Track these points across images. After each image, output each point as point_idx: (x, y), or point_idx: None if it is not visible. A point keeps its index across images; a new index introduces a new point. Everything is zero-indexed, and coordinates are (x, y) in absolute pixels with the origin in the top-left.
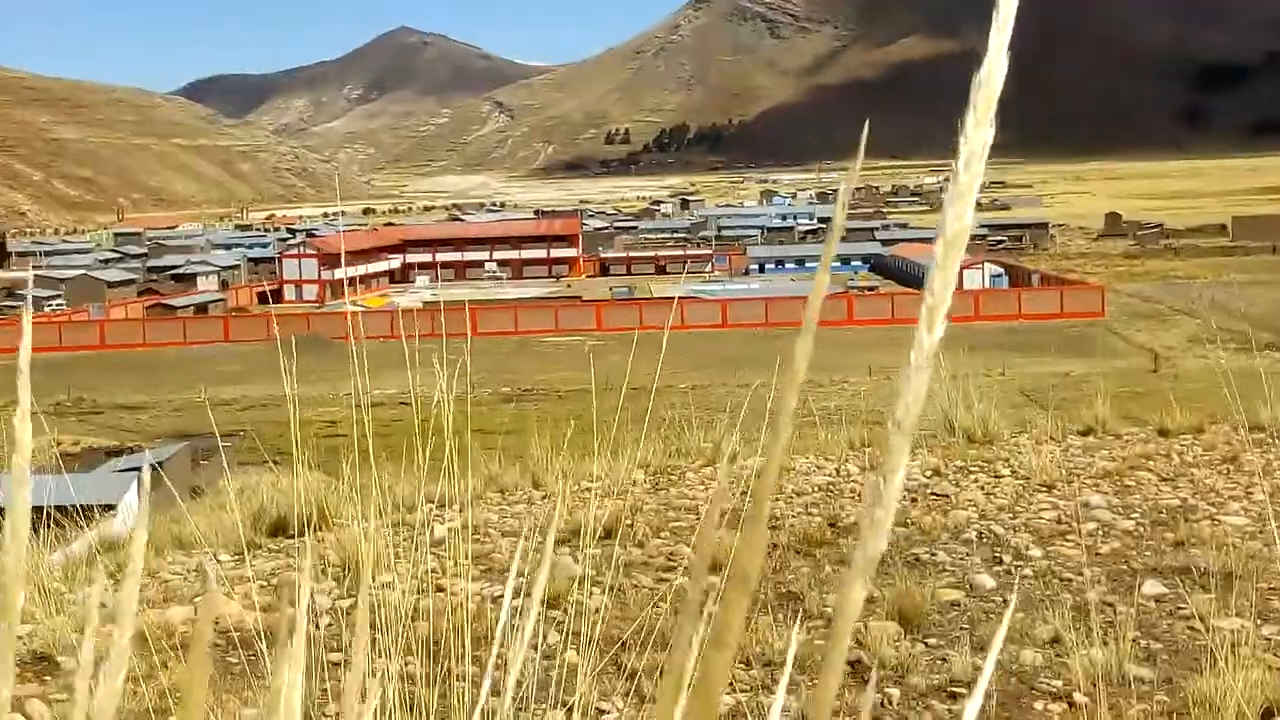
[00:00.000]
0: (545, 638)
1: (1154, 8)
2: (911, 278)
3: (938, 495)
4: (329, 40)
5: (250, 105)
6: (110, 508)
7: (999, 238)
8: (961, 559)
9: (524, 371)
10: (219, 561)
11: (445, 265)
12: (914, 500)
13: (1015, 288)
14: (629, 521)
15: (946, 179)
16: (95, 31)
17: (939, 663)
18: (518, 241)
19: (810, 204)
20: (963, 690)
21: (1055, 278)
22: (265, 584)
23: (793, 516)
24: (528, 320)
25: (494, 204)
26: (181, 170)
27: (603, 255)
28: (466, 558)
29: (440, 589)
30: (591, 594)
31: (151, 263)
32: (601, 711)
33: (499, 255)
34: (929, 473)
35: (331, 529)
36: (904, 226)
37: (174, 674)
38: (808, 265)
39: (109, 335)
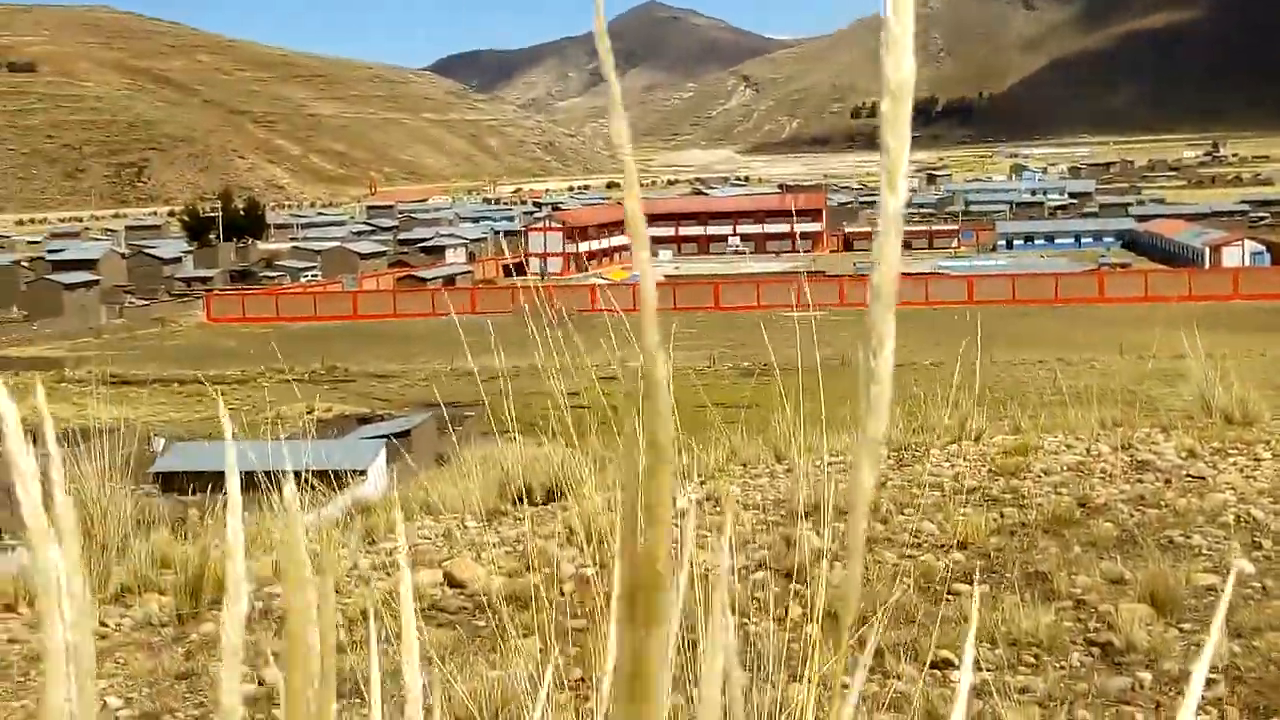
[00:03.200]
0: (788, 610)
1: None
2: (1166, 254)
3: (1193, 477)
4: (578, 15)
5: (498, 80)
6: (362, 473)
7: (1260, 214)
8: (1219, 543)
9: (766, 346)
10: (466, 527)
11: (688, 239)
12: (1168, 482)
13: (1277, 265)
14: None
15: (1208, 153)
16: (351, 10)
17: (1193, 649)
18: (761, 216)
19: (1062, 179)
20: (1216, 676)
21: None
22: (511, 550)
23: (1040, 496)
24: (770, 295)
25: (738, 178)
26: (431, 145)
27: (847, 230)
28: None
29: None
30: (834, 568)
31: (402, 235)
32: (845, 686)
33: (742, 230)
34: (1184, 454)
35: (573, 498)
36: (1160, 202)
37: (423, 634)
38: (1058, 241)
39: (361, 306)
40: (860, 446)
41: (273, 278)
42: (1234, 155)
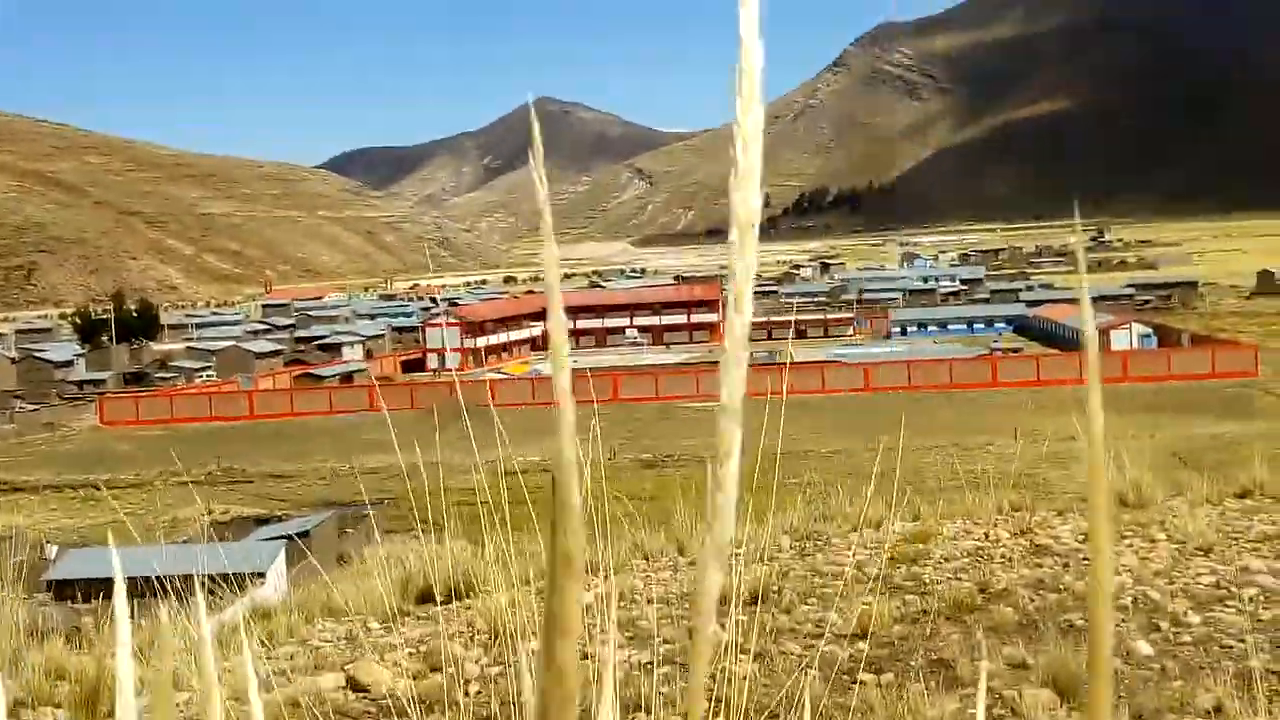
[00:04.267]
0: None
1: None
2: (1056, 338)
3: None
4: (471, 112)
5: (394, 177)
6: (260, 575)
7: (1146, 297)
8: (1117, 625)
9: (665, 437)
10: (368, 629)
11: (586, 332)
12: (1066, 565)
13: (1165, 348)
14: (776, 588)
15: (1094, 238)
16: (244, 109)
17: None
18: (658, 307)
19: (952, 265)
20: None
21: (1206, 337)
22: (414, 651)
23: (941, 582)
24: (669, 386)
25: (634, 270)
26: (327, 242)
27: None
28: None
29: (587, 656)
30: (739, 661)
31: (299, 333)
32: None
33: (640, 321)
34: (1080, 537)
35: (477, 596)
36: (1049, 287)
37: None
38: (951, 327)
39: (258, 405)
40: (707, 552)
41: (167, 379)
42: (1119, 240)
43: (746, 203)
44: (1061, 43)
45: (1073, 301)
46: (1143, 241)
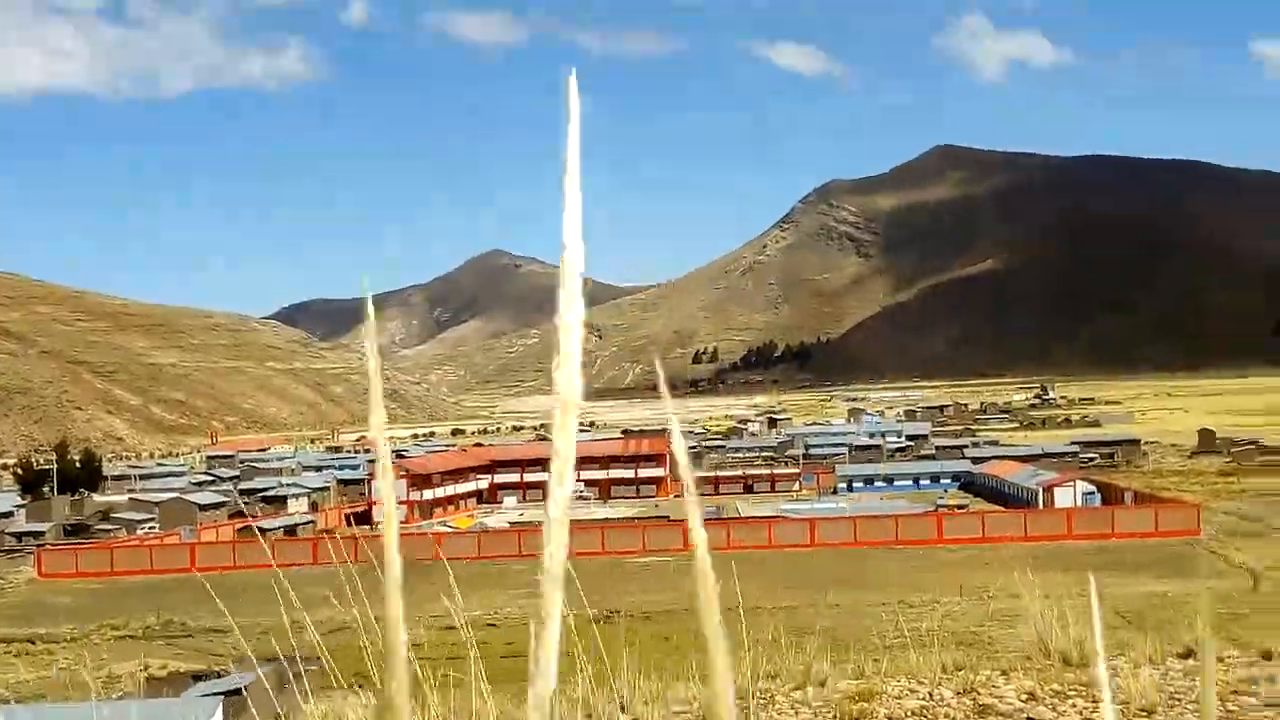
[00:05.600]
0: None
1: (1248, 218)
2: (1002, 495)
3: None
4: (422, 264)
5: (343, 328)
6: None
7: (1090, 455)
8: None
9: (611, 592)
10: None
11: (533, 485)
12: None
13: (1108, 506)
14: None
15: (1037, 395)
16: (192, 259)
17: None
18: (605, 461)
19: (898, 421)
20: None
21: (1149, 495)
22: None
23: None
24: (615, 540)
25: (583, 424)
26: (275, 393)
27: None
28: None
29: None
30: None
31: (243, 485)
32: None
33: (586, 475)
34: (1024, 696)
35: None
36: (994, 444)
37: None
38: (897, 483)
39: (200, 558)
40: (531, 706)
41: (108, 531)
42: (1062, 397)
43: (569, 382)
44: (999, 204)
45: (1017, 458)
46: (1085, 399)
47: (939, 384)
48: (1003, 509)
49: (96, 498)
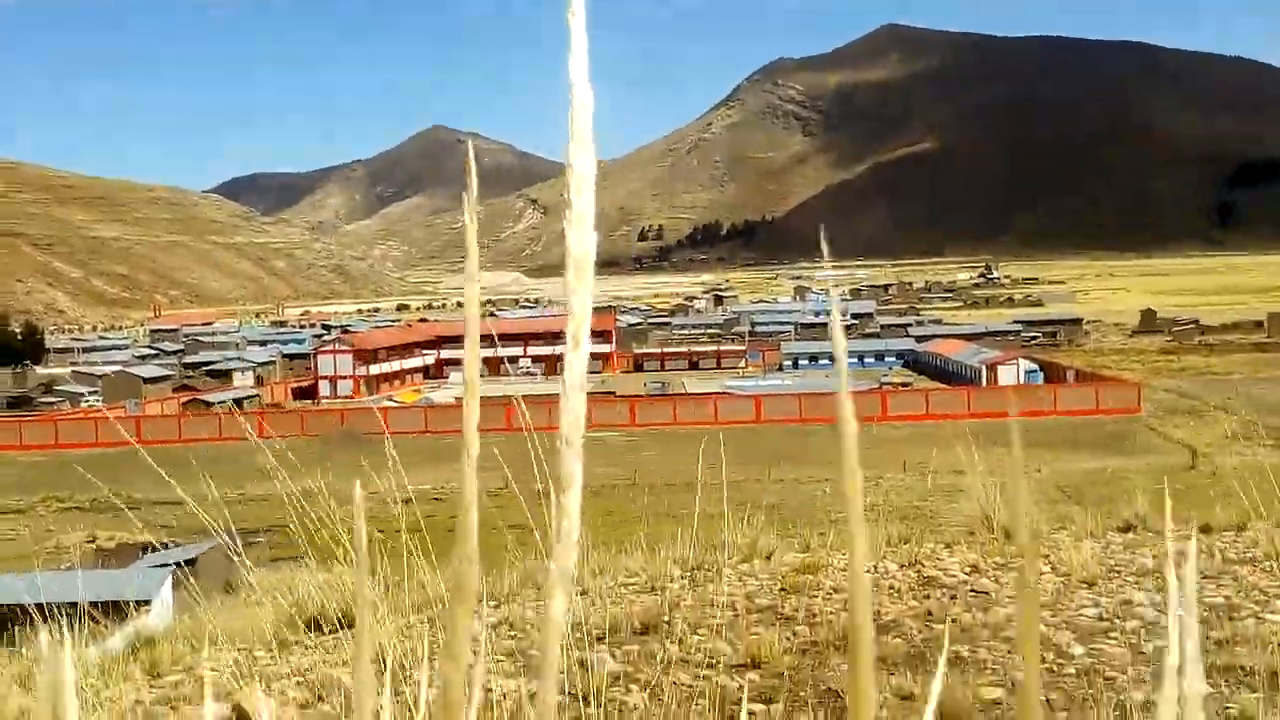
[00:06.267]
0: None
1: (1190, 103)
2: (946, 373)
3: (977, 592)
4: (364, 139)
5: (286, 203)
6: (145, 603)
7: (1033, 334)
8: (1003, 657)
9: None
10: (255, 657)
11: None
12: (954, 598)
13: (1050, 384)
14: (667, 618)
15: (981, 274)
16: (134, 132)
17: None
18: (552, 337)
19: (844, 300)
20: None
21: (1091, 374)
22: (301, 680)
23: (831, 613)
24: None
25: (528, 300)
26: (218, 267)
27: (637, 351)
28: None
29: (490, 689)
30: (630, 691)
31: (187, 359)
32: None
33: (533, 351)
34: (968, 569)
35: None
36: (938, 322)
37: None
38: None
39: (145, 431)
40: (553, 578)
41: (52, 403)
42: (1006, 277)
43: (581, 242)
44: (944, 84)
45: (961, 337)
46: (1028, 279)
47: (882, 263)
48: (946, 386)
49: (39, 370)
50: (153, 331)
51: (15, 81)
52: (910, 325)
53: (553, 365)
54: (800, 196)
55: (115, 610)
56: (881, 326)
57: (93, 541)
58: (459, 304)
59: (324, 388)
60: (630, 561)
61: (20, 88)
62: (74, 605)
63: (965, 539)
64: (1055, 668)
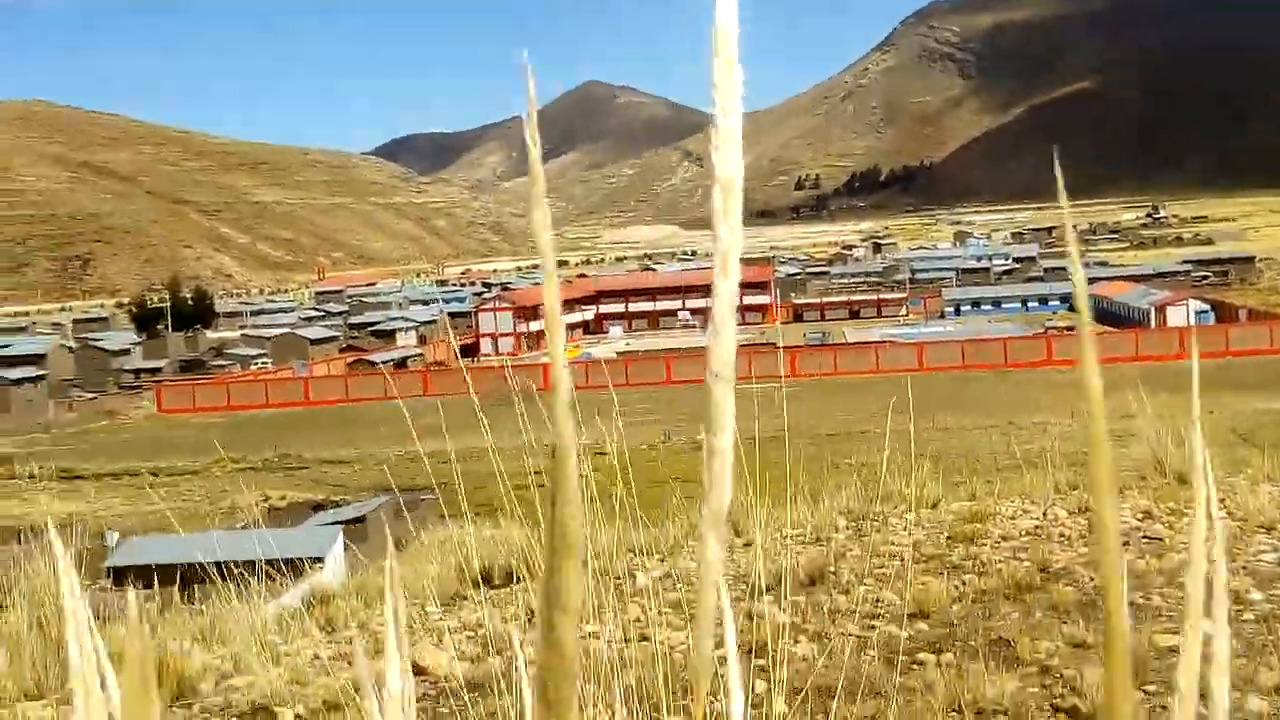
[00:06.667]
0: (753, 687)
1: None
2: (1113, 316)
3: (1150, 538)
4: (522, 97)
5: (444, 163)
6: (318, 560)
7: (1203, 273)
8: (1178, 604)
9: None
10: (426, 613)
11: (638, 315)
12: (1126, 544)
13: (1222, 324)
14: (833, 569)
15: (1148, 214)
16: (292, 97)
17: (1158, 710)
18: (710, 290)
19: (1006, 244)
20: None
21: (1264, 313)
22: (472, 634)
23: (1000, 561)
24: None
25: (686, 253)
26: (379, 228)
27: (796, 301)
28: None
29: (645, 638)
30: (798, 642)
31: (352, 320)
32: None
33: (691, 304)
34: (1140, 515)
35: (535, 579)
36: (1104, 264)
37: None
38: (1005, 306)
39: (313, 392)
40: (706, 521)
41: (222, 366)
42: (1174, 217)
43: (728, 164)
44: (1102, 24)
45: (1129, 278)
46: (1197, 218)
47: (1044, 205)
48: (1114, 329)
49: (210, 334)
50: (318, 293)
51: (183, 51)
52: None
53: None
54: (958, 140)
55: (289, 568)
56: (1045, 270)
57: (265, 501)
58: (617, 259)
59: (485, 345)
60: (794, 513)
61: (188, 57)
62: (250, 564)
63: (1136, 484)
64: (1234, 614)
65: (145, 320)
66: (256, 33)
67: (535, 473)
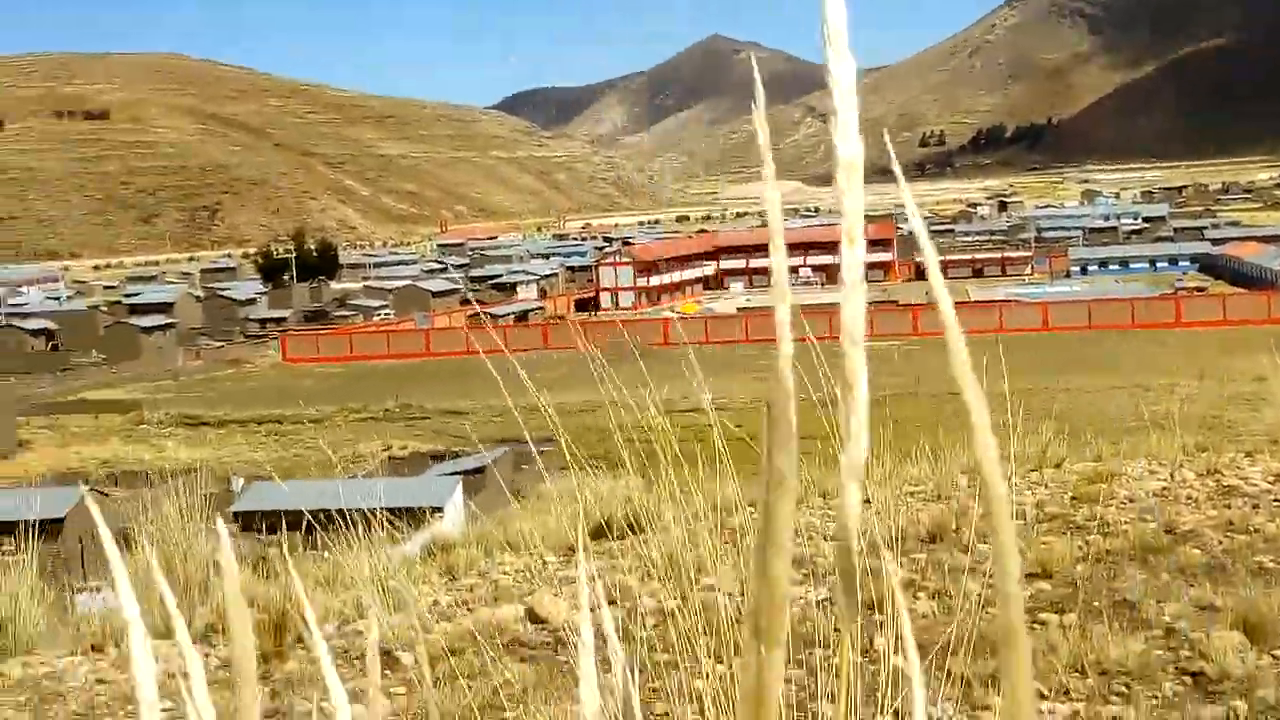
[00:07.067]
0: (871, 642)
1: None
2: (1244, 277)
3: None
4: (644, 52)
5: (566, 117)
6: (437, 509)
7: None
8: None
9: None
10: (545, 563)
11: (759, 271)
12: (1256, 507)
13: None
14: (954, 526)
15: None
16: (415, 50)
17: None
18: (832, 246)
19: (1135, 203)
20: None
21: None
22: (590, 585)
23: (1126, 523)
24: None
25: (808, 209)
26: (501, 182)
27: (918, 259)
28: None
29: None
30: (918, 599)
31: (473, 272)
32: (931, 718)
33: (813, 260)
34: (1271, 478)
35: (653, 531)
36: (1235, 224)
37: (505, 671)
38: (1133, 266)
39: (434, 344)
40: (844, 471)
41: (346, 317)
42: None
43: (848, 146)
44: None
45: (1261, 239)
46: None
47: (1175, 164)
48: (1245, 290)
49: (334, 285)
50: (440, 246)
51: (311, 4)
52: (1205, 228)
53: (833, 274)
54: (1087, 97)
55: (409, 516)
56: (1175, 230)
57: (386, 450)
58: (738, 214)
59: (605, 300)
60: (915, 469)
61: (315, 10)
62: (371, 511)
63: (1268, 448)
64: None
65: (271, 271)
66: None
67: (645, 429)
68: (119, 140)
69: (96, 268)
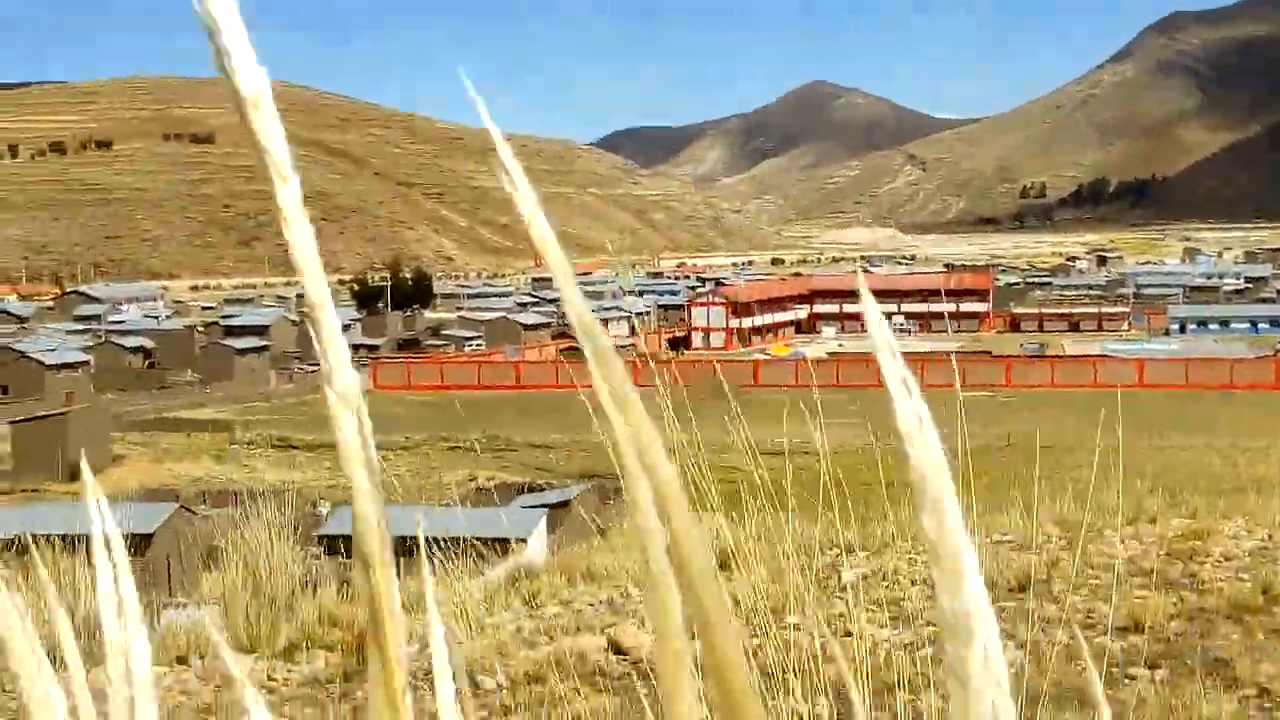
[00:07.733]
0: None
1: None
2: None
3: None
4: (743, 94)
5: (665, 156)
6: (521, 540)
7: None
8: None
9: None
10: (627, 595)
11: (852, 316)
12: None
13: None
14: (1044, 577)
15: None
16: (518, 87)
17: None
18: (926, 294)
19: (1237, 263)
20: None
21: None
22: None
23: (1222, 581)
24: (934, 374)
25: (903, 257)
26: (597, 218)
27: (1014, 311)
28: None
29: (849, 633)
30: (1006, 648)
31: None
32: None
33: (907, 308)
34: None
35: (738, 569)
36: None
37: (587, 699)
38: (1233, 326)
39: (525, 376)
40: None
41: (439, 346)
42: None
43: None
44: None
45: None
46: None
47: (1278, 225)
48: None
49: (427, 314)
50: (534, 280)
51: (410, 39)
52: None
53: (927, 323)
54: (1193, 155)
55: (494, 546)
56: (1278, 291)
57: (473, 480)
58: (834, 259)
59: (696, 339)
60: (1005, 519)
61: (415, 45)
62: (456, 539)
63: None
64: None
65: (366, 298)
66: (485, 18)
67: (733, 469)
68: (223, 164)
69: (194, 288)
